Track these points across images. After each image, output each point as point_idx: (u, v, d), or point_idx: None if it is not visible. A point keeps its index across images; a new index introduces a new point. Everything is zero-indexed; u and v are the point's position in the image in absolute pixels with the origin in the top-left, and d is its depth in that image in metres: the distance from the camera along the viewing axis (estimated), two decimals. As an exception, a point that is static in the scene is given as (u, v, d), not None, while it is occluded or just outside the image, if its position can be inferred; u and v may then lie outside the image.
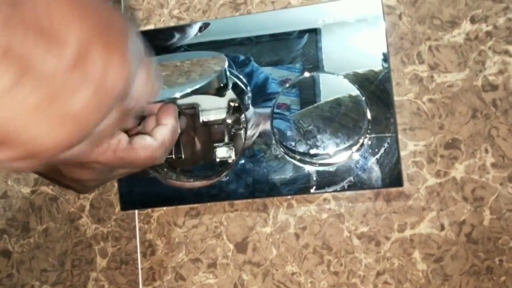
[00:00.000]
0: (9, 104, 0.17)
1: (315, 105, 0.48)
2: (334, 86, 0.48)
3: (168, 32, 0.51)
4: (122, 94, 0.20)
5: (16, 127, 0.17)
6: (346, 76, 0.47)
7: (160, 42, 0.51)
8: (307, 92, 0.49)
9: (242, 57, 0.50)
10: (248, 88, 0.50)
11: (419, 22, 0.47)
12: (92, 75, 0.18)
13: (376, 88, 0.47)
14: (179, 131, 0.35)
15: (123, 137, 0.29)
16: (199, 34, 0.50)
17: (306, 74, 0.48)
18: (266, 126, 0.49)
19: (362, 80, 0.47)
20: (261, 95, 0.50)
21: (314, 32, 0.48)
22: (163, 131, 0.32)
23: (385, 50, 0.47)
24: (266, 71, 0.50)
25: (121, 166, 0.30)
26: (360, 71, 0.47)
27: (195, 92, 0.38)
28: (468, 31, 0.46)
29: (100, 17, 0.19)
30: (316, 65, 0.48)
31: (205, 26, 0.50)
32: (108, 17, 0.20)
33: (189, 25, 0.51)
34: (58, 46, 0.17)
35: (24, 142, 0.18)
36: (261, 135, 0.49)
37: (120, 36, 0.20)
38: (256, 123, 0.49)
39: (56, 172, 0.30)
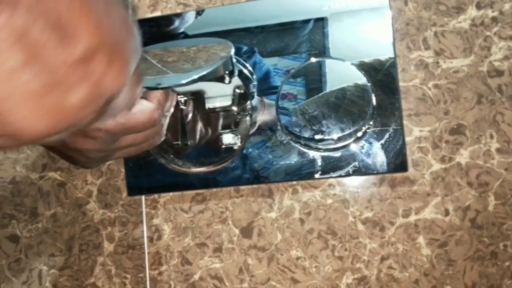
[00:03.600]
0: (7, 84, 0.18)
1: (320, 94, 0.48)
2: (340, 74, 0.48)
3: (170, 19, 0.52)
4: (110, 100, 0.22)
5: (7, 107, 0.18)
6: (353, 64, 0.47)
7: (162, 28, 0.52)
8: (313, 81, 0.49)
9: (245, 48, 0.50)
10: (254, 76, 0.50)
11: (425, 8, 0.47)
12: (92, 76, 0.20)
13: (382, 75, 0.47)
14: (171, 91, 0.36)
15: None
16: (199, 17, 0.51)
17: (313, 60, 0.48)
18: (272, 112, 0.49)
19: (368, 69, 0.47)
20: (264, 87, 0.50)
21: (320, 20, 0.49)
22: (156, 93, 0.34)
23: (391, 38, 0.47)
24: (272, 61, 0.50)
25: (123, 132, 0.31)
26: (366, 60, 0.47)
27: (201, 79, 0.38)
28: (474, 17, 0.46)
29: (114, 29, 0.20)
30: (322, 53, 0.49)
31: (202, 10, 0.51)
32: (121, 30, 0.21)
33: (186, 12, 0.51)
34: (69, 43, 0.18)
35: (8, 122, 0.19)
36: (267, 122, 0.49)
37: (127, 52, 0.21)
38: (261, 111, 0.50)
39: (61, 143, 0.31)
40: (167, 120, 0.39)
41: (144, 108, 0.32)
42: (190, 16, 0.51)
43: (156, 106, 0.33)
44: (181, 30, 0.51)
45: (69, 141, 0.31)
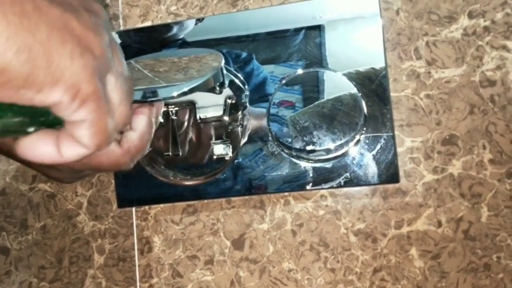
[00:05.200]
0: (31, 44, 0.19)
1: (315, 103, 0.48)
2: (335, 83, 0.48)
3: (169, 26, 0.51)
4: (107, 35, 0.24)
5: (45, 65, 0.19)
6: (347, 74, 0.47)
7: (161, 35, 0.51)
8: (310, 89, 0.48)
9: (244, 55, 0.50)
10: (246, 86, 0.49)
11: (416, 17, 0.47)
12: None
13: (374, 85, 0.47)
14: (150, 136, 0.32)
15: None
16: (199, 23, 0.50)
17: (300, 71, 0.48)
18: (263, 123, 0.49)
19: (363, 78, 0.47)
20: (260, 94, 0.49)
21: (313, 29, 0.48)
22: (131, 137, 0.30)
23: (382, 48, 0.46)
24: (268, 68, 0.49)
25: (86, 169, 0.30)
26: (361, 69, 0.47)
27: (192, 91, 0.37)
28: (466, 26, 0.46)
29: None
30: (318, 62, 0.48)
31: (202, 18, 0.50)
32: None
33: (184, 21, 0.51)
34: None
35: (59, 77, 0.20)
36: (258, 132, 0.49)
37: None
38: (252, 121, 0.49)
39: (38, 166, 0.32)
40: (154, 129, 0.38)
41: (109, 151, 0.28)
42: (190, 23, 0.51)
43: (123, 152, 0.29)
44: (180, 37, 0.51)
45: (39, 169, 0.32)
